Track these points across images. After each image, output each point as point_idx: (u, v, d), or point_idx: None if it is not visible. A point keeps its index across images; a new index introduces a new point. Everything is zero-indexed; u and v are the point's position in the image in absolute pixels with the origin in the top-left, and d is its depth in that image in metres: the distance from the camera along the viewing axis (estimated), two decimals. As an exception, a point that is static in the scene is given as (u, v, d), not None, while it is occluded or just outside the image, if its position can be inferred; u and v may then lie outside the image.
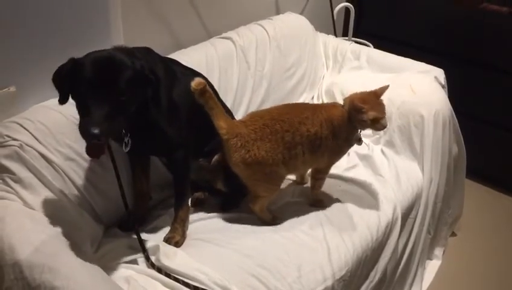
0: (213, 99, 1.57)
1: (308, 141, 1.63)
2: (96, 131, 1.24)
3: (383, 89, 1.68)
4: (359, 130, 1.72)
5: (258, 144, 1.58)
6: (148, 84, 1.38)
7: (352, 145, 1.75)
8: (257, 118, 1.64)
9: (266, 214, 1.72)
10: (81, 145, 1.59)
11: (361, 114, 1.63)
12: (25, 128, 1.52)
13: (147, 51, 1.57)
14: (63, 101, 1.37)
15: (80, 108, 1.33)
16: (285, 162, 1.62)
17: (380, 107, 1.66)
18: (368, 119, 1.63)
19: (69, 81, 1.32)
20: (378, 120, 1.64)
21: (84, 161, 1.60)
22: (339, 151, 1.75)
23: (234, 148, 1.57)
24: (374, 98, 1.67)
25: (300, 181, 1.91)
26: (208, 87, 1.54)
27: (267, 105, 2.09)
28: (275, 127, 1.60)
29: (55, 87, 1.37)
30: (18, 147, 1.48)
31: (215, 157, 1.75)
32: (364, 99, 1.65)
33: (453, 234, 2.40)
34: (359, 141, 1.73)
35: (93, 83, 1.29)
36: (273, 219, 1.72)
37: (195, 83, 1.51)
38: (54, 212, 1.46)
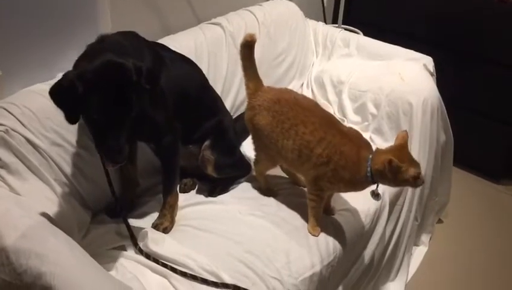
0: (252, 58, 1.67)
1: (299, 143, 1.56)
2: (120, 159, 1.31)
3: (405, 138, 1.50)
4: (377, 185, 1.56)
5: (263, 113, 1.64)
6: (145, 91, 1.35)
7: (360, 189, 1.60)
8: (281, 92, 1.68)
9: (263, 179, 1.77)
10: (67, 130, 1.58)
11: (401, 174, 1.45)
12: (10, 113, 1.50)
13: (134, 36, 1.55)
14: (72, 123, 1.33)
15: (93, 130, 1.34)
16: (277, 147, 1.62)
17: (414, 161, 1.49)
18: (410, 177, 1.46)
19: (76, 104, 1.27)
20: (418, 176, 1.47)
21: (71, 146, 1.59)
22: (337, 181, 1.57)
23: (249, 106, 1.70)
24: (405, 153, 1.49)
25: (293, 181, 1.83)
26: (255, 45, 1.65)
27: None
28: (283, 108, 1.61)
29: (55, 104, 1.31)
30: (3, 132, 1.46)
31: (205, 143, 1.75)
32: (399, 157, 1.45)
33: (440, 221, 2.42)
34: (377, 197, 1.60)
35: (106, 111, 1.27)
36: (267, 189, 1.77)
37: (249, 34, 1.65)
38: (40, 197, 1.45)
